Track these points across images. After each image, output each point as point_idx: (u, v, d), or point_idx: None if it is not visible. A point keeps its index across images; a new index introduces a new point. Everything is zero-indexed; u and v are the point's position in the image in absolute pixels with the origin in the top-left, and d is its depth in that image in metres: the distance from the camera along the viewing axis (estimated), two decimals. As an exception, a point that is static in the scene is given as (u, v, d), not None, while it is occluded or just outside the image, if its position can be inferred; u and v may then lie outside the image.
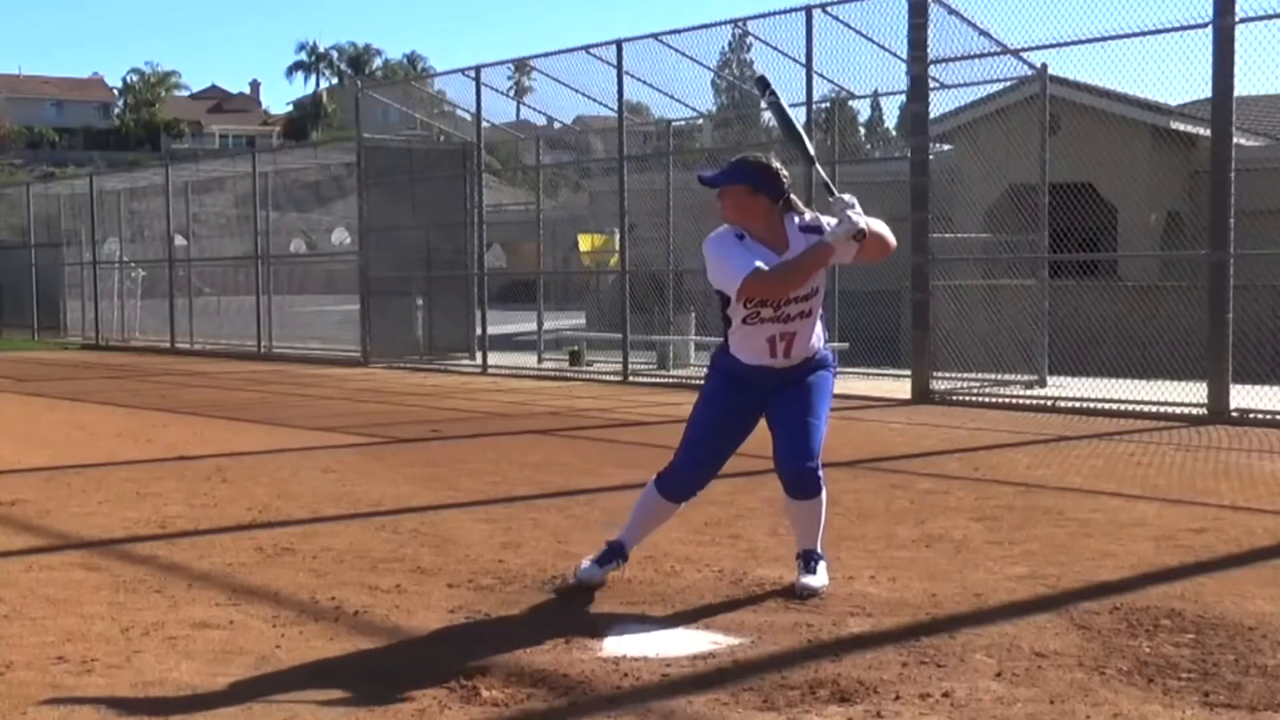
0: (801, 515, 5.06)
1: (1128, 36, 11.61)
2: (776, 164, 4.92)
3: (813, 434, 4.92)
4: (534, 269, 21.63)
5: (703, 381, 5.21)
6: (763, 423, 5.06)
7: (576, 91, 17.79)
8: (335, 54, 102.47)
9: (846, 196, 4.78)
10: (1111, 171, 17.69)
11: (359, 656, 4.33)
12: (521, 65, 24.13)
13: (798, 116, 5.28)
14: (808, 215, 4.93)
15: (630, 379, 16.18)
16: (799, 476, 4.93)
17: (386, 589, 5.22)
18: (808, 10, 14.12)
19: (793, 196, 4.93)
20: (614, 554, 5.20)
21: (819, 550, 5.11)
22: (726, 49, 20.75)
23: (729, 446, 5.05)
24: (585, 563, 5.23)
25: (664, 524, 5.36)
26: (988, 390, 13.20)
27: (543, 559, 5.73)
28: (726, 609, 4.83)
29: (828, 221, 4.83)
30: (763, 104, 5.37)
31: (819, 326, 5.01)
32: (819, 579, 5.04)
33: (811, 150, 5.13)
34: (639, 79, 16.62)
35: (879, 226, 4.83)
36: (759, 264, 4.72)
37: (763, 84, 5.36)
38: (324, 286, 26.44)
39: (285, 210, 26.00)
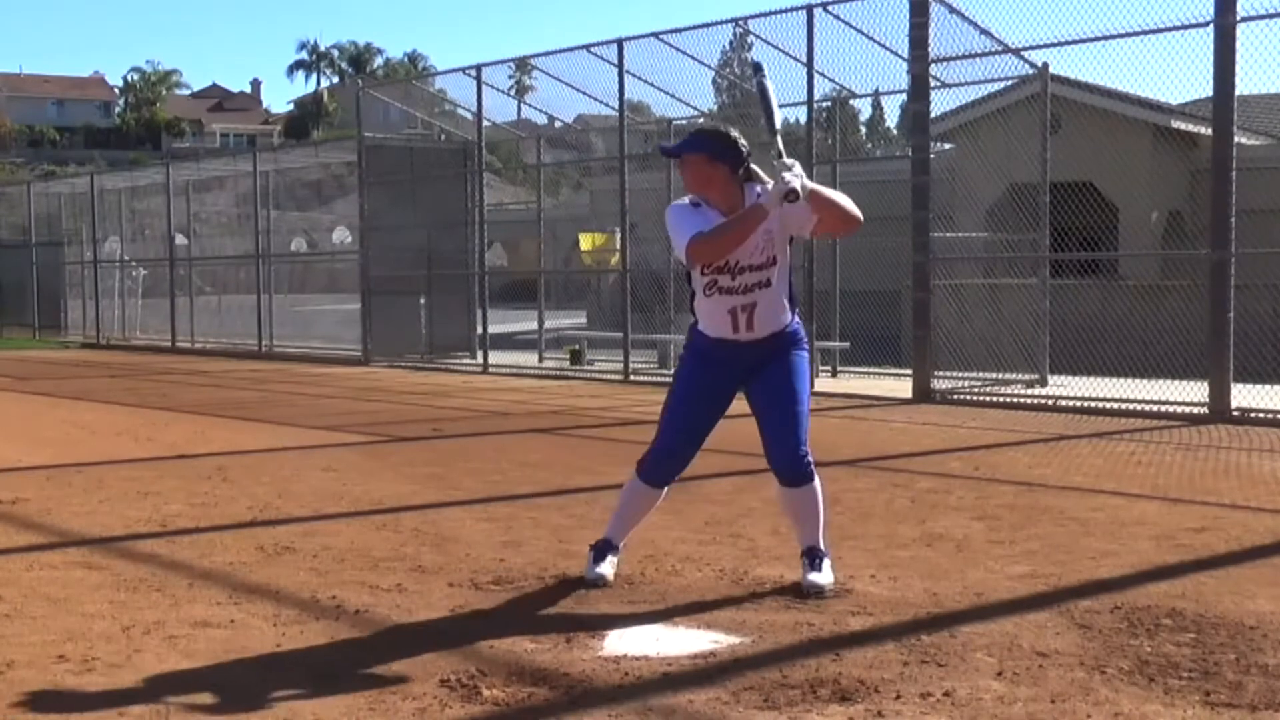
0: (798, 506, 5.06)
1: (1129, 35, 11.61)
2: (735, 133, 4.95)
3: (800, 420, 4.96)
4: (535, 268, 21.63)
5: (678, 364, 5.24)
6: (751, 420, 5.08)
7: (577, 90, 17.79)
8: (336, 53, 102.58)
9: (787, 160, 4.76)
10: (1113, 170, 17.68)
11: (360, 655, 4.33)
12: (522, 64, 24.15)
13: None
14: (769, 184, 4.91)
15: (631, 378, 16.18)
16: (789, 463, 4.96)
17: (387, 588, 5.22)
18: (809, 9, 14.11)
19: (753, 166, 4.95)
20: (605, 552, 5.23)
21: (823, 547, 5.11)
22: (728, 48, 20.80)
23: (705, 426, 5.07)
24: (588, 568, 5.25)
25: (648, 515, 5.37)
26: (989, 389, 13.20)
27: (543, 558, 5.73)
28: (727, 608, 4.83)
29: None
30: (753, 81, 5.43)
31: (785, 300, 4.99)
32: (825, 576, 5.03)
33: (777, 124, 5.09)
34: (640, 78, 16.62)
35: (834, 196, 4.85)
36: (698, 230, 4.76)
37: (757, 66, 5.43)
38: (325, 285, 26.46)
39: (286, 209, 26.00)
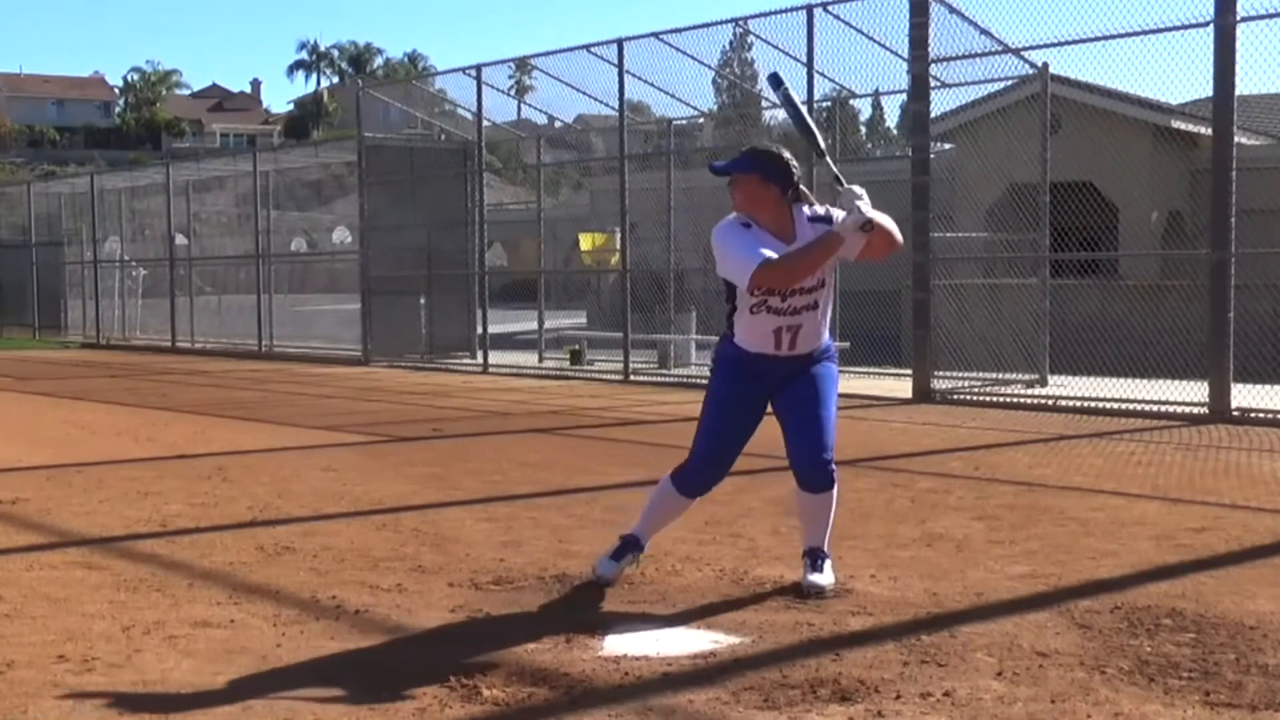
0: (813, 510, 5.06)
1: (1129, 35, 11.61)
2: (787, 154, 4.94)
3: (826, 426, 4.97)
4: (535, 268, 21.63)
5: (709, 375, 5.21)
6: (770, 419, 5.07)
7: (577, 90, 17.79)
8: (336, 53, 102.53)
9: (855, 188, 4.80)
10: (1113, 170, 17.68)
11: (360, 655, 4.33)
12: (522, 64, 24.13)
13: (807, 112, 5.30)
14: (817, 206, 4.97)
15: (631, 378, 16.18)
16: (814, 468, 4.96)
17: (387, 588, 5.22)
18: (809, 9, 14.12)
19: (802, 187, 4.96)
20: (629, 548, 5.24)
21: (825, 549, 5.11)
22: (728, 48, 20.75)
23: (741, 439, 5.06)
24: (602, 559, 5.26)
25: (678, 519, 5.38)
26: (989, 389, 13.19)
27: (543, 558, 5.73)
28: (727, 608, 4.83)
29: (836, 213, 4.88)
30: (776, 99, 5.36)
31: (826, 320, 5.02)
32: (826, 577, 5.04)
33: (823, 144, 5.15)
34: (640, 78, 16.62)
35: (886, 222, 4.86)
36: (769, 253, 4.74)
37: (775, 80, 5.39)
38: (325, 285, 26.46)
39: (286, 209, 26.00)
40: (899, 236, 4.91)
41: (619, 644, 4.37)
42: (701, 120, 20.56)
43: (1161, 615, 4.62)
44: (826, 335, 5.07)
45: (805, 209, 4.93)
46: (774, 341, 4.93)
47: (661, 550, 5.76)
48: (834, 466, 5.00)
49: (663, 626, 4.61)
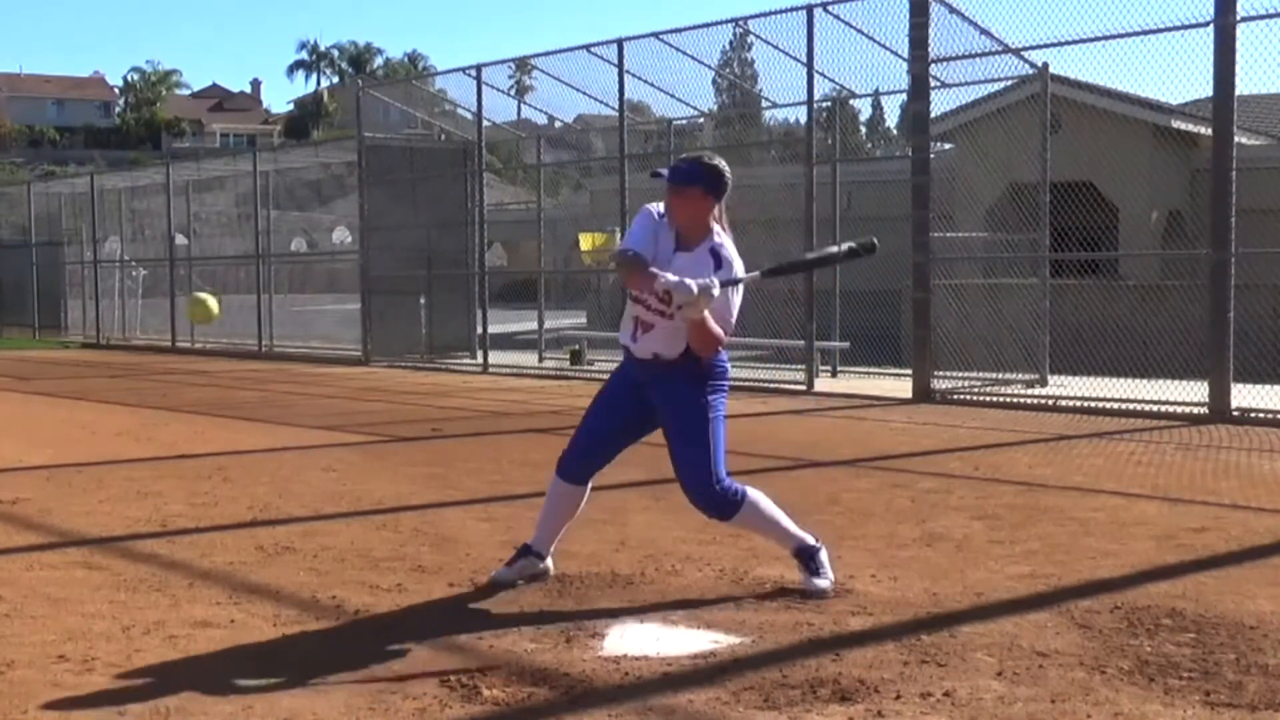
0: (747, 529, 5.16)
1: (1129, 35, 11.61)
2: (728, 171, 4.89)
3: (695, 462, 4.84)
4: (535, 268, 21.63)
5: None
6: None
7: (578, 90, 17.80)
8: (336, 53, 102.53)
9: (713, 288, 4.58)
10: (1113, 170, 17.69)
11: (360, 655, 4.32)
12: (523, 64, 24.12)
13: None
14: (720, 237, 4.82)
15: (631, 378, 16.15)
16: (699, 504, 4.93)
17: (387, 588, 5.22)
18: (809, 9, 14.11)
19: (724, 207, 4.90)
20: (521, 556, 5.27)
21: (812, 541, 5.08)
22: (728, 48, 20.77)
23: (604, 436, 5.08)
24: (501, 569, 5.30)
25: (573, 516, 5.34)
26: (989, 389, 13.19)
27: (543, 558, 5.72)
28: (727, 608, 4.83)
29: (726, 254, 4.76)
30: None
31: (684, 342, 4.78)
32: (825, 578, 5.02)
33: (812, 255, 5.18)
34: (640, 78, 16.63)
35: (715, 329, 4.68)
36: (637, 250, 4.72)
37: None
38: (325, 285, 26.45)
39: (286, 209, 25.99)
40: (714, 340, 4.72)
41: (619, 644, 4.37)
42: (701, 120, 20.55)
43: (1161, 615, 4.63)
44: (680, 352, 4.81)
45: (716, 231, 4.81)
46: (632, 328, 4.94)
47: (661, 550, 5.76)
48: (719, 491, 4.84)
49: (663, 626, 4.61)
